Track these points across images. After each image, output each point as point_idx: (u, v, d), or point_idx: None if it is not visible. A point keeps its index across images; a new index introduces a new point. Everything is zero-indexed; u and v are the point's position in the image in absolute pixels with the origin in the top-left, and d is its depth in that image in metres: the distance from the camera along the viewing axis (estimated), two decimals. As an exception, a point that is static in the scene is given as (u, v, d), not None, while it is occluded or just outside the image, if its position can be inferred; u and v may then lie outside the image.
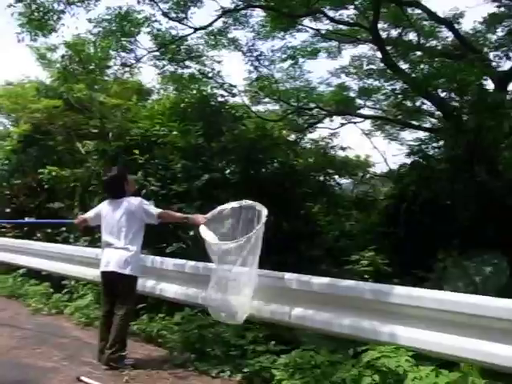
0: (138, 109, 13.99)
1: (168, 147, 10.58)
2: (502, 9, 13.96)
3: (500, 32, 14.44)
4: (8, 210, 13.66)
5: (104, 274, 5.62)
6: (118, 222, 5.56)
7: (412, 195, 10.51)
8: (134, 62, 13.84)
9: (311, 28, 14.81)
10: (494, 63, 13.77)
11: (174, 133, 10.94)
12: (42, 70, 16.90)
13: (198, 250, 7.41)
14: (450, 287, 6.72)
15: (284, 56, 15.63)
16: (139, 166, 9.83)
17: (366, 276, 7.19)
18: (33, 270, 10.19)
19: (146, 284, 7.02)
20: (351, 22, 14.01)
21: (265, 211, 5.37)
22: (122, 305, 5.49)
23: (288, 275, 5.47)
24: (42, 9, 11.82)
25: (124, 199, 5.67)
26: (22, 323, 7.57)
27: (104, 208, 5.79)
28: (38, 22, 11.88)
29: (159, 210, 5.67)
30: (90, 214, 6.09)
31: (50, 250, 9.62)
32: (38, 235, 11.79)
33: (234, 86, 14.01)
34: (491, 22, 14.21)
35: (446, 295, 4.52)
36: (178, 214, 6.06)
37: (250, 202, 5.56)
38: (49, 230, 11.73)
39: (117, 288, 5.52)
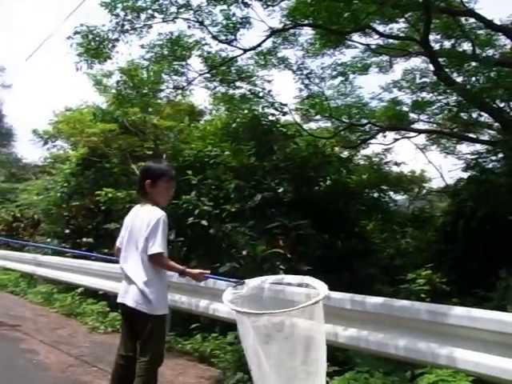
0: (191, 130, 14.28)
1: (220, 167, 10.72)
2: None
3: None
4: (67, 231, 14.12)
5: (121, 305, 4.31)
6: (136, 240, 4.21)
7: (470, 211, 10.21)
8: (185, 84, 14.06)
9: (361, 43, 14.75)
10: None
11: (226, 153, 11.10)
12: (99, 96, 17.48)
13: (250, 270, 7.47)
14: (513, 307, 6.47)
15: (334, 73, 15.57)
16: (192, 186, 9.98)
17: (423, 295, 7.00)
18: (90, 289, 10.47)
19: (199, 304, 7.09)
20: (401, 35, 13.83)
21: (323, 289, 3.88)
22: (145, 349, 4.11)
23: (341, 295, 5.39)
24: (97, 38, 12.29)
25: (148, 207, 4.27)
26: (79, 341, 7.80)
27: (128, 216, 4.47)
28: (95, 50, 12.34)
29: (157, 251, 4.06)
30: (120, 236, 4.54)
31: (107, 269, 9.86)
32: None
33: (285, 105, 14.06)
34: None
35: (507, 316, 4.34)
36: (173, 265, 4.19)
37: (307, 279, 4.13)
38: (105, 250, 12.04)
39: (137, 327, 4.19)
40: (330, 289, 5.57)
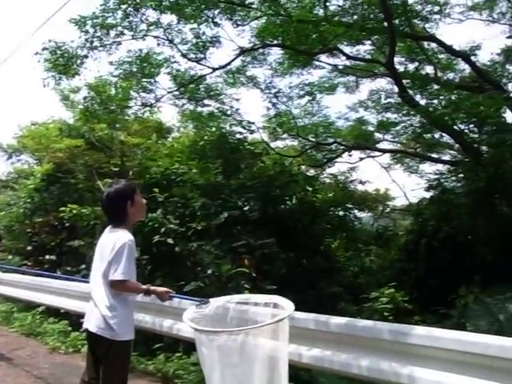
0: (158, 147, 14.20)
1: (187, 185, 10.66)
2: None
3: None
4: (29, 248, 13.81)
5: (85, 329, 4.16)
6: (100, 263, 4.09)
7: (432, 230, 10.38)
8: (153, 101, 14.04)
9: (328, 64, 15.01)
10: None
11: (194, 171, 11.06)
12: (66, 111, 17.28)
13: (215, 289, 7.40)
14: (472, 325, 6.56)
15: (302, 92, 15.76)
16: (159, 204, 9.89)
17: (386, 314, 7.06)
18: (51, 307, 10.22)
19: (163, 323, 6.98)
20: (368, 57, 14.11)
21: (289, 308, 3.82)
22: (107, 377, 3.95)
23: (305, 315, 5.38)
24: (66, 55, 12.20)
25: (119, 230, 4.10)
26: (39, 362, 7.58)
27: (100, 240, 4.28)
28: (63, 66, 12.24)
29: (118, 279, 3.88)
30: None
31: (69, 287, 9.65)
32: (59, 272, 11.86)
33: (253, 123, 14.14)
34: (508, 53, 14.27)
35: (467, 336, 4.39)
36: (136, 287, 4.04)
37: (274, 298, 4.08)
38: (68, 268, 11.81)
39: (99, 352, 4.01)
40: (295, 308, 5.60)
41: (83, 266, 11.07)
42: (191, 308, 4.03)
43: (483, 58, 14.90)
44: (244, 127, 13.75)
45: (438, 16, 13.79)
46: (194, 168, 11.17)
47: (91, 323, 4.03)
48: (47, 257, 12.87)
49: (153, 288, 4.10)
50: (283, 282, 8.36)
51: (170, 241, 9.01)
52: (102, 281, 4.00)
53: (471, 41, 14.21)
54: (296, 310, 5.59)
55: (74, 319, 9.30)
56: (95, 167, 13.98)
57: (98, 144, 14.23)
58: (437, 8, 13.55)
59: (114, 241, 3.99)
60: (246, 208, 9.83)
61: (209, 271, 8.12)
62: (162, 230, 9.15)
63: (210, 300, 4.10)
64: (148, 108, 14.58)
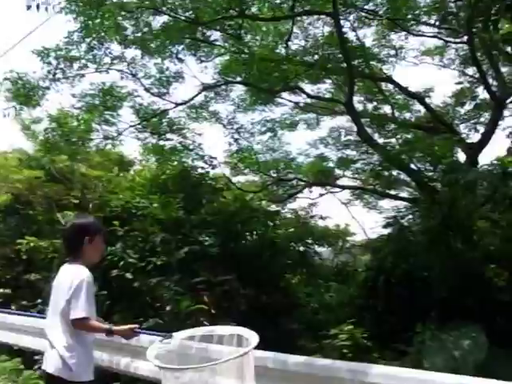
0: (119, 180, 14.09)
1: (148, 219, 10.60)
2: (467, 84, 14.67)
3: (468, 106, 15.16)
4: (-16, 281, 13.35)
5: (42, 371, 3.99)
6: (57, 301, 3.91)
7: (390, 267, 10.53)
8: (116, 134, 14.00)
9: (290, 101, 15.28)
10: (464, 135, 14.28)
11: (155, 205, 11.02)
12: (26, 141, 17.01)
13: (174, 326, 7.29)
14: (429, 362, 6.64)
15: (264, 128, 15.98)
16: (118, 237, 9.78)
17: (345, 351, 7.08)
18: (3, 344, 9.84)
19: (120, 362, 6.82)
20: (328, 96, 14.46)
21: (254, 340, 3.71)
22: None
23: (263, 353, 5.34)
24: (27, 85, 12.11)
25: (76, 266, 3.94)
26: (-11, 404, 7.25)
27: (57, 276, 4.08)
28: (24, 97, 12.13)
29: (80, 316, 3.70)
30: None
31: (24, 323, 9.33)
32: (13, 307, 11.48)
33: (215, 158, 14.20)
34: (459, 96, 14.92)
35: (424, 374, 4.43)
36: (98, 326, 3.86)
37: (238, 330, 3.99)
38: (24, 302, 11.45)
39: None
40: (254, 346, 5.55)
41: (39, 301, 10.78)
42: (155, 344, 3.93)
43: (437, 100, 15.56)
44: (206, 162, 13.81)
45: (394, 59, 14.34)
46: (155, 202, 11.14)
47: (48, 363, 3.86)
48: (1, 290, 12.45)
49: (115, 328, 3.89)
50: (243, 318, 8.32)
51: (128, 275, 8.91)
52: (59, 319, 3.84)
53: (425, 83, 14.85)
54: (255, 347, 5.58)
55: (28, 356, 8.98)
56: (55, 199, 13.73)
57: (59, 176, 14.02)
58: (393, 52, 14.07)
59: (71, 278, 3.84)
60: (206, 243, 9.81)
61: (168, 308, 8.03)
62: (121, 263, 9.04)
63: (174, 334, 4.00)
64: (110, 141, 14.53)
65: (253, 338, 3.67)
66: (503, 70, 13.05)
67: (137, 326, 4.02)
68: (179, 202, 10.79)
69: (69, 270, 3.94)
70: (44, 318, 4.25)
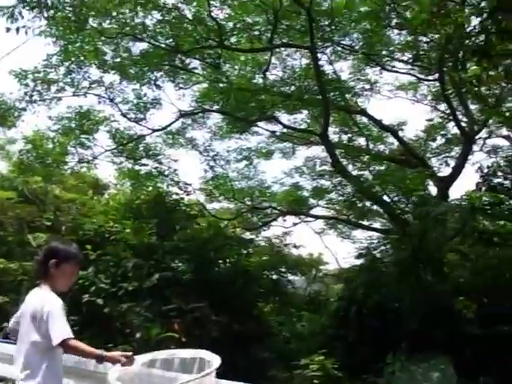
0: (93, 204, 13.99)
1: (121, 244, 10.54)
2: (439, 119, 15.20)
3: (439, 140, 15.55)
4: None
5: None
6: (26, 329, 3.68)
7: (362, 297, 10.59)
8: (91, 158, 13.93)
9: (266, 130, 15.40)
10: (435, 169, 14.58)
11: (128, 230, 10.96)
12: (0, 160, 16.85)
13: (143, 353, 7.20)
14: (398, 394, 6.67)
15: (239, 157, 16.07)
16: (90, 262, 9.69)
17: (316, 381, 7.07)
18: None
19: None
20: (304, 126, 14.68)
21: (215, 363, 3.68)
22: None
23: (229, 383, 5.28)
24: (3, 106, 12.06)
25: (44, 292, 3.72)
26: None
27: (26, 301, 3.85)
28: (-1, 118, 12.10)
29: (65, 337, 3.47)
30: (14, 317, 3.95)
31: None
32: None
33: (190, 185, 14.20)
34: (431, 130, 15.30)
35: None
36: (89, 350, 3.59)
37: (200, 352, 3.91)
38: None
39: None
40: (224, 374, 5.49)
41: (6, 324, 10.53)
42: (116, 367, 3.87)
43: (410, 133, 15.85)
44: (181, 188, 13.81)
45: (369, 92, 14.66)
46: (129, 227, 11.08)
47: None
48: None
49: (107, 354, 3.61)
50: (214, 346, 8.24)
51: (99, 301, 8.82)
52: (27, 348, 3.64)
53: (399, 117, 15.14)
54: (226, 376, 5.52)
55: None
56: (27, 220, 13.55)
57: (32, 197, 13.87)
58: (368, 86, 14.40)
59: (40, 304, 3.60)
60: (178, 270, 9.77)
61: (138, 335, 7.94)
62: (93, 288, 8.94)
63: (135, 357, 3.95)
64: (85, 164, 14.47)
65: (215, 360, 3.62)
66: (472, 107, 13.46)
67: (131, 353, 3.77)
68: (152, 228, 10.75)
69: (37, 295, 3.75)
70: (13, 343, 4.10)
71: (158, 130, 13.64)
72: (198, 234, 11.33)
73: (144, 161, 14.44)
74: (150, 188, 13.98)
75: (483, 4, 6.18)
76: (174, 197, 12.92)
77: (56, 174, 14.34)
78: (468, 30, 6.47)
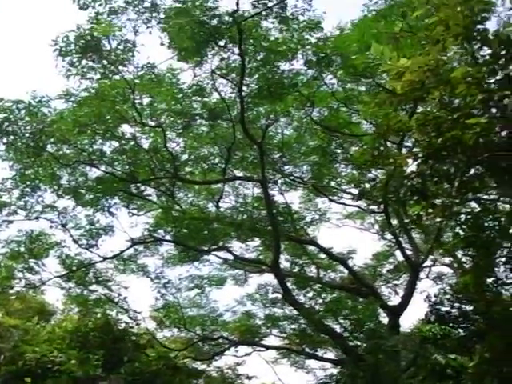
0: (38, 330, 13.44)
1: (63, 377, 10.06)
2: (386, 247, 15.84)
3: (387, 267, 15.99)
4: None
5: None
6: None
7: None
8: (38, 283, 13.63)
9: (219, 257, 15.45)
10: (385, 297, 14.85)
11: (73, 361, 10.51)
12: None
13: None
14: None
15: (191, 285, 16.02)
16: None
17: None
18: None
19: None
20: (254, 257, 15.00)
21: None
22: None
23: None
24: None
25: None
26: None
27: None
28: None
29: None
30: None
31: None
32: None
33: (140, 313, 13.91)
34: (379, 257, 15.78)
35: None
36: None
37: None
38: None
39: None
40: None
41: None
42: None
43: (359, 260, 16.27)
44: (130, 317, 13.49)
45: (319, 221, 15.22)
46: (74, 358, 10.63)
47: None
48: None
49: None
50: None
51: None
52: None
53: (348, 245, 15.61)
54: None
55: None
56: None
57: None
58: (317, 216, 14.98)
59: None
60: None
61: None
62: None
63: None
64: (32, 289, 14.12)
65: None
66: (416, 235, 14.07)
67: None
68: (99, 359, 10.34)
69: None
70: None
71: (109, 258, 13.60)
72: (147, 366, 10.94)
73: (93, 287, 14.19)
74: (99, 315, 13.59)
75: (416, 150, 6.73)
76: (123, 325, 12.59)
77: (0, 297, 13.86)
78: (406, 171, 7.02)
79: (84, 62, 10.27)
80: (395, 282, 15.95)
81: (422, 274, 14.94)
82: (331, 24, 11.62)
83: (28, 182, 12.61)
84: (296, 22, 10.56)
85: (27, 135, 11.57)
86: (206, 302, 16.71)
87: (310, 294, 14.46)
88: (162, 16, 10.20)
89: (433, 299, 11.18)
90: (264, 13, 10.12)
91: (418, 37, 6.02)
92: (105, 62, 10.49)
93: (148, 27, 10.23)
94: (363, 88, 11.93)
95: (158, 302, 15.53)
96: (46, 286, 13.99)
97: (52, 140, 11.86)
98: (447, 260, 14.81)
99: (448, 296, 11.20)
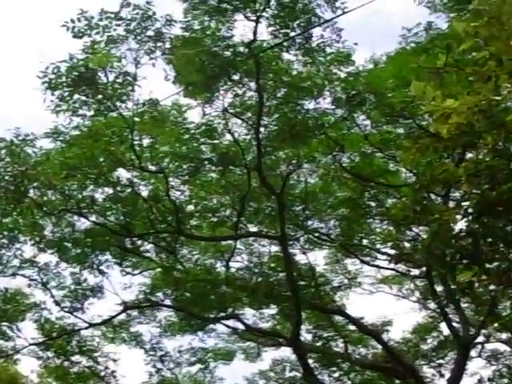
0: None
1: None
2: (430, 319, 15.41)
3: (430, 343, 15.55)
4: None
5: None
6: None
7: None
8: (11, 352, 13.53)
9: (227, 326, 15.19)
10: (427, 379, 14.42)
11: None
12: None
13: None
14: None
15: (193, 359, 15.75)
16: None
17: None
18: None
19: None
20: (270, 328, 14.71)
21: None
22: None
23: None
24: None
25: None
26: None
27: None
28: None
29: None
30: None
31: None
32: None
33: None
34: (420, 331, 15.35)
35: None
36: None
37: None
38: None
39: None
40: None
41: None
42: None
43: (395, 334, 15.87)
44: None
45: (348, 286, 14.93)
46: None
47: None
48: None
49: None
50: None
51: None
52: None
53: (382, 315, 15.27)
54: None
55: None
56: None
57: None
58: (346, 280, 14.72)
59: None
60: None
61: None
62: None
63: None
64: (4, 359, 14.03)
65: None
66: (466, 306, 13.70)
67: None
68: None
69: None
70: None
71: (96, 325, 13.46)
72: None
73: (76, 358, 14.07)
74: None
75: (465, 205, 6.63)
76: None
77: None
78: (454, 229, 6.89)
79: (76, 96, 10.29)
80: (440, 361, 15.53)
81: (473, 352, 14.49)
82: (363, 57, 11.63)
83: (5, 233, 12.61)
84: (323, 54, 10.56)
85: (7, 178, 11.60)
86: (210, 379, 16.46)
87: (336, 374, 14.17)
88: (167, 46, 10.25)
89: (487, 383, 10.82)
90: (285, 44, 10.22)
91: (466, 73, 6.02)
92: (100, 96, 10.53)
93: (151, 58, 10.27)
94: (401, 131, 11.83)
95: (152, 379, 15.38)
96: (20, 355, 14.04)
97: (35, 184, 11.87)
98: (504, 336, 14.39)
99: (506, 380, 10.84)
